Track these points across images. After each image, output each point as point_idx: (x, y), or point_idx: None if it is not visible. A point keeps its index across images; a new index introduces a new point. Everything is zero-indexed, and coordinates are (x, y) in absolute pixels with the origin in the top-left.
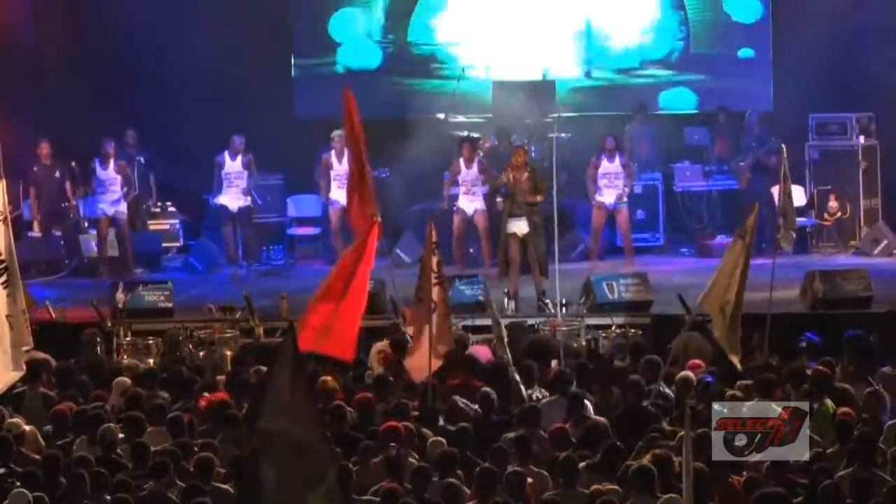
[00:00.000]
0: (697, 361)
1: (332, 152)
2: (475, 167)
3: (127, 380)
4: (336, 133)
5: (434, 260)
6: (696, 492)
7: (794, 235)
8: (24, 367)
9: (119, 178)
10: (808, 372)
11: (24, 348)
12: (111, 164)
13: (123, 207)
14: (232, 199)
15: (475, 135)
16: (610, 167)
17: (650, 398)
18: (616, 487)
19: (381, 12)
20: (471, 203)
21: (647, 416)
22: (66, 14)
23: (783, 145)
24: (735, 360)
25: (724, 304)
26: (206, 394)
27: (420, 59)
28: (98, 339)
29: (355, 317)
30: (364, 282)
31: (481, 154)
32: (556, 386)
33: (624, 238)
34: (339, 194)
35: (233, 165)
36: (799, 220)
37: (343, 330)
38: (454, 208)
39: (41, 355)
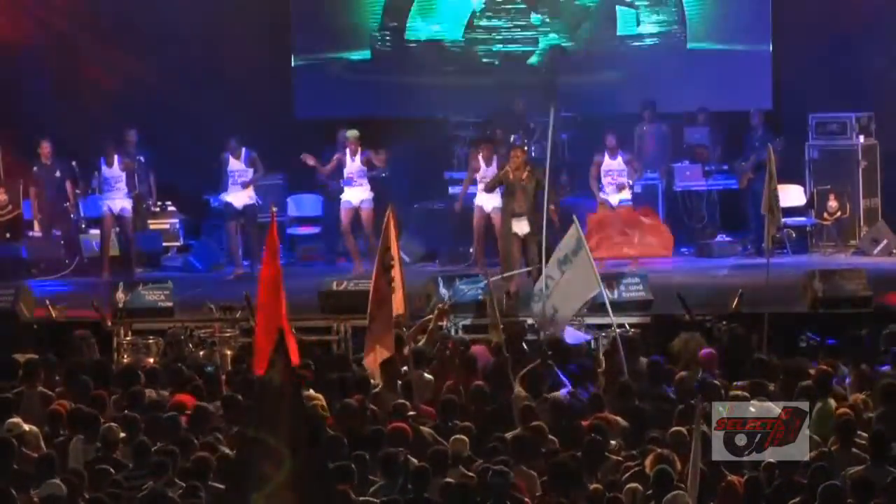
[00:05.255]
0: (708, 353)
1: (347, 151)
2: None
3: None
4: (350, 133)
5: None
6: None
7: (779, 235)
8: None
9: (124, 175)
10: (811, 371)
11: None
12: (115, 161)
13: (129, 205)
14: (237, 196)
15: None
16: (612, 164)
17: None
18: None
19: (380, 7)
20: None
21: (649, 417)
22: (67, 14)
23: (769, 144)
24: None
25: None
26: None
27: (419, 55)
28: (92, 340)
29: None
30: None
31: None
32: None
33: None
34: (349, 194)
35: (236, 164)
36: (798, 219)
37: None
38: (473, 206)
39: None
